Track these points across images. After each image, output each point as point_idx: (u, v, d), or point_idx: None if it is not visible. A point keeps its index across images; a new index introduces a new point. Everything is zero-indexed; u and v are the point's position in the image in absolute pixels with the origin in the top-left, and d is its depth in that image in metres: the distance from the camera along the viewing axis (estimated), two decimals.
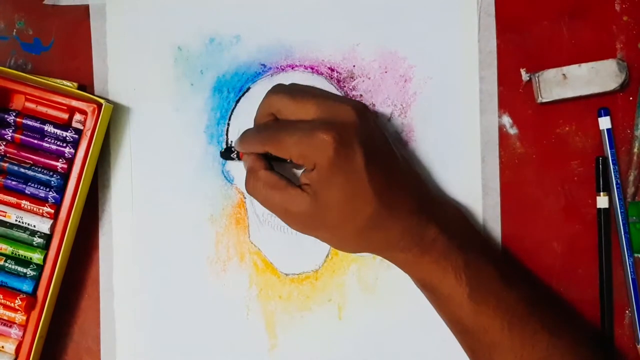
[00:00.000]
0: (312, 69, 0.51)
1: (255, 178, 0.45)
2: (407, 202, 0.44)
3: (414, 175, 0.47)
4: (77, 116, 0.51)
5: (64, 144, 0.50)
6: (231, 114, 0.52)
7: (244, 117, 0.51)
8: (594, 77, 0.49)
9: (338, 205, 0.43)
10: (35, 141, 0.50)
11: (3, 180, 0.50)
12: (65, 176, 0.50)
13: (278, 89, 0.45)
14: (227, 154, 0.50)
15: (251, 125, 0.48)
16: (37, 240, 0.49)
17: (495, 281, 0.44)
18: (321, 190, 0.42)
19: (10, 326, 0.49)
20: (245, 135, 0.47)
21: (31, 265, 0.49)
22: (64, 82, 0.51)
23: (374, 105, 0.51)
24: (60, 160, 0.50)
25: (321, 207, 0.43)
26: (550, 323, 0.44)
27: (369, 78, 0.51)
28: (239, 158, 0.49)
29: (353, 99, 0.50)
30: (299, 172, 0.48)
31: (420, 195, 0.45)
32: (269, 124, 0.45)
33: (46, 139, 0.50)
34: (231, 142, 0.51)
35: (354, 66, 0.51)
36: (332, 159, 0.41)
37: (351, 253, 0.50)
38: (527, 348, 0.43)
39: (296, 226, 0.45)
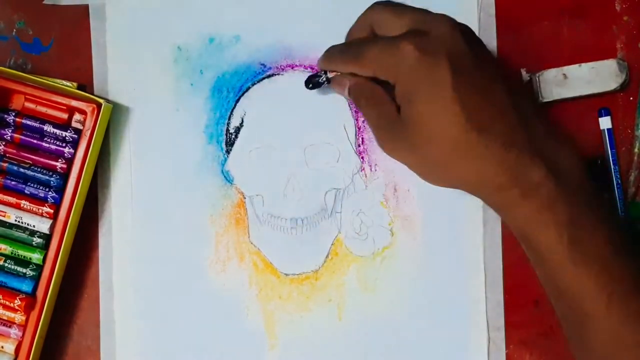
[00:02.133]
0: (312, 68, 0.51)
1: (358, 88, 0.43)
2: (506, 131, 0.39)
3: (523, 106, 0.41)
4: (77, 116, 0.51)
5: (64, 144, 0.50)
6: (231, 113, 0.52)
7: (244, 116, 0.51)
8: (595, 77, 0.49)
9: (420, 121, 0.39)
10: (35, 141, 0.50)
11: (2, 180, 0.50)
12: (64, 176, 0.50)
13: (380, 2, 0.43)
14: (315, 81, 0.47)
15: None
16: (37, 240, 0.49)
17: (603, 246, 0.38)
18: (404, 105, 0.40)
19: (10, 326, 0.49)
20: (329, 52, 0.45)
21: (31, 265, 0.49)
22: (64, 82, 0.51)
23: None
24: (59, 160, 0.50)
25: (405, 124, 0.40)
26: None
27: None
28: (328, 82, 0.47)
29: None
30: None
31: (528, 127, 0.39)
32: (350, 42, 0.44)
33: (46, 138, 0.50)
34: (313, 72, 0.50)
35: None
36: (413, 68, 0.39)
37: (443, 186, 0.43)
38: (626, 329, 0.38)
39: (383, 143, 0.42)
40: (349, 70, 0.43)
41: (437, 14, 0.41)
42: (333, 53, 0.45)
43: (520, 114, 0.40)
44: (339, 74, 0.46)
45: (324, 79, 0.47)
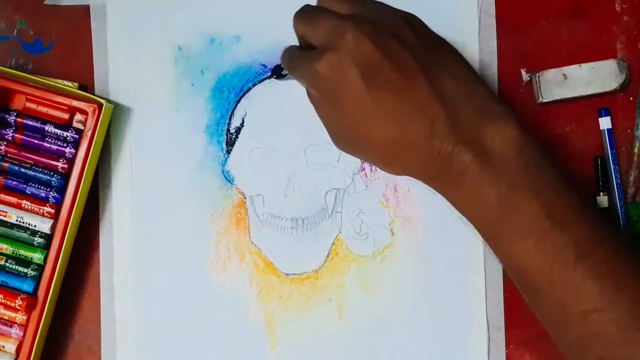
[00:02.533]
0: None
1: (309, 94, 0.44)
2: (427, 124, 0.39)
3: (450, 88, 0.40)
4: (78, 116, 0.51)
5: (65, 144, 0.50)
6: (231, 114, 0.52)
7: (245, 117, 0.51)
8: (595, 77, 0.49)
9: (354, 130, 0.41)
10: (36, 141, 0.50)
11: (4, 180, 0.50)
12: (65, 176, 0.50)
13: (299, 12, 0.44)
14: (279, 72, 0.50)
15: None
16: (38, 240, 0.49)
17: (539, 219, 0.38)
18: (336, 116, 0.41)
19: (11, 326, 0.49)
20: (283, 54, 0.47)
21: (32, 265, 0.49)
22: (65, 82, 0.51)
23: None
24: (60, 160, 0.50)
25: (343, 131, 0.42)
26: (608, 269, 0.37)
27: None
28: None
29: (382, 5, 0.44)
30: None
31: (452, 112, 0.39)
32: (291, 53, 0.45)
33: (47, 139, 0.50)
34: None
35: None
36: (329, 88, 0.40)
37: (397, 175, 0.46)
38: (570, 299, 0.38)
39: (337, 145, 0.44)
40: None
41: (346, 18, 0.40)
42: (283, 57, 0.47)
43: (444, 100, 0.39)
44: None
45: (285, 72, 0.49)
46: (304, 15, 0.44)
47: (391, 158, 0.42)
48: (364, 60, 0.39)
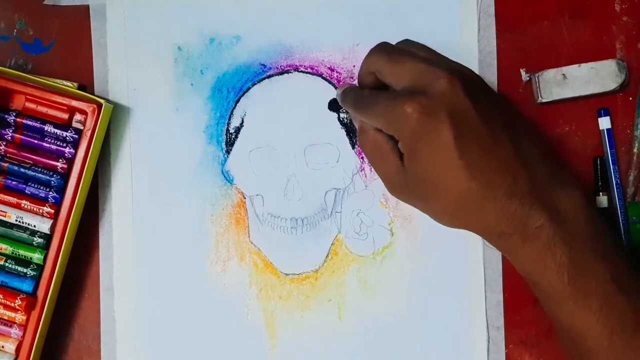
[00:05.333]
0: (312, 69, 0.51)
1: (365, 137, 0.44)
2: (509, 182, 0.39)
3: (527, 150, 0.41)
4: (77, 116, 0.51)
5: (64, 144, 0.50)
6: (231, 113, 0.52)
7: (244, 116, 0.51)
8: (594, 77, 0.49)
9: (424, 178, 0.40)
10: (36, 141, 0.50)
11: (3, 180, 0.50)
12: (65, 176, 0.50)
13: (378, 49, 0.43)
14: (336, 105, 0.50)
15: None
16: (37, 240, 0.49)
17: (604, 284, 0.40)
18: (408, 160, 0.40)
19: (11, 326, 0.49)
20: (345, 93, 0.46)
21: (31, 265, 0.49)
22: (64, 82, 0.51)
23: None
24: (60, 160, 0.50)
25: (411, 179, 0.41)
26: None
27: None
28: (347, 112, 0.49)
29: (457, 62, 0.44)
30: None
31: (530, 173, 0.40)
32: (361, 93, 0.44)
33: (46, 139, 0.50)
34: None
35: (354, 66, 0.51)
36: (414, 132, 0.39)
37: (451, 227, 0.46)
38: None
39: (393, 193, 0.44)
40: (359, 119, 0.44)
41: (435, 65, 0.41)
42: (348, 97, 0.46)
43: (524, 161, 0.41)
44: None
45: (344, 110, 0.49)
46: (384, 52, 0.43)
47: (461, 211, 0.41)
48: (455, 109, 0.39)
